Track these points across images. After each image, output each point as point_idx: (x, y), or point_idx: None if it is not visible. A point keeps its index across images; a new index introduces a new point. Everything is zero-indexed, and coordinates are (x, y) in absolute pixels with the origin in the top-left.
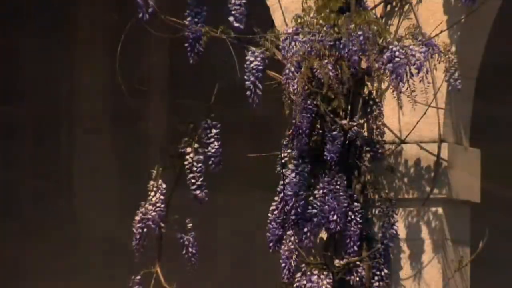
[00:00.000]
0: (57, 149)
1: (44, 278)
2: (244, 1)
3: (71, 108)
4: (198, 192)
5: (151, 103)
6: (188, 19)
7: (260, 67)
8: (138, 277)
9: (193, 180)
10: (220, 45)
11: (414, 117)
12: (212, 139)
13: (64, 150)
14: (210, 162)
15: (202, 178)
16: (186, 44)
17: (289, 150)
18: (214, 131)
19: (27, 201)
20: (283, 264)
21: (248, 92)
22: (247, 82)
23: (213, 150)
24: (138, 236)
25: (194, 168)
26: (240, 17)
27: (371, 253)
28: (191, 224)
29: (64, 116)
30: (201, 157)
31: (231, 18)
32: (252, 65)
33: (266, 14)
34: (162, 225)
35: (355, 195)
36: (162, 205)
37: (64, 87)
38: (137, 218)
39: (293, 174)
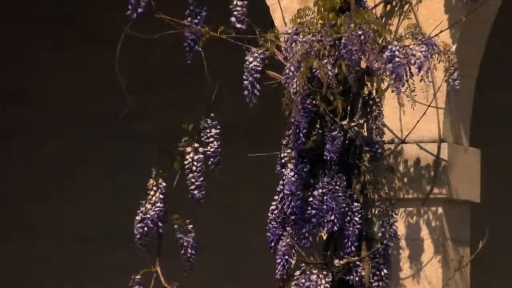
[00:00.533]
0: (58, 149)
1: (45, 277)
2: (245, 2)
3: (73, 108)
4: (196, 192)
5: (151, 102)
6: (188, 19)
7: (259, 68)
8: (138, 277)
9: (192, 180)
10: (220, 45)
11: (414, 117)
12: (211, 139)
13: (66, 150)
14: (209, 162)
15: (201, 178)
16: (185, 44)
17: (289, 150)
18: (214, 131)
19: (27, 201)
20: (279, 261)
21: (245, 92)
22: (245, 82)
23: (212, 150)
24: (138, 236)
25: (194, 168)
26: (241, 18)
27: (370, 253)
28: (191, 225)
29: (66, 116)
30: (201, 156)
31: (233, 19)
32: (251, 65)
33: (266, 14)
34: (161, 224)
35: (354, 195)
36: (162, 205)
37: (65, 87)
38: (137, 218)
39: (293, 174)
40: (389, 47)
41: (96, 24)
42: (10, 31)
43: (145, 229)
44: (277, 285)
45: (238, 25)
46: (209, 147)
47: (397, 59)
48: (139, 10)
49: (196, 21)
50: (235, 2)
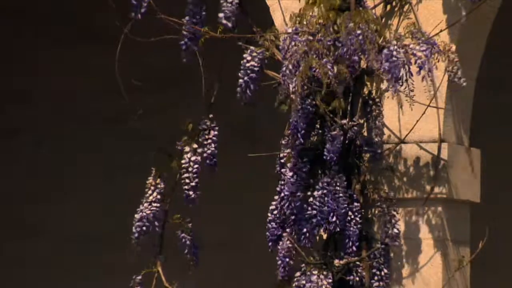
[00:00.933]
0: (58, 148)
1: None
2: (236, 1)
3: (72, 108)
4: (191, 192)
5: (151, 102)
6: (186, 18)
7: (256, 68)
8: (139, 277)
9: (187, 180)
10: (220, 45)
11: (414, 117)
12: (209, 141)
13: (65, 149)
14: (205, 164)
15: (197, 180)
16: (182, 42)
17: (288, 150)
18: (212, 132)
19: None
20: (279, 262)
21: (238, 89)
22: (240, 81)
23: (209, 152)
24: (136, 235)
25: (190, 169)
26: (229, 15)
27: (371, 253)
28: (191, 224)
29: (65, 116)
30: (199, 158)
31: (220, 15)
32: (248, 64)
33: (266, 14)
34: (157, 224)
35: (354, 195)
36: (159, 204)
37: (64, 86)
38: (136, 216)
39: (292, 174)
40: (387, 46)
41: (96, 24)
42: (10, 31)
43: (143, 228)
44: (278, 286)
45: (225, 21)
46: (206, 149)
47: (393, 58)
48: (142, 10)
49: (195, 20)
50: None
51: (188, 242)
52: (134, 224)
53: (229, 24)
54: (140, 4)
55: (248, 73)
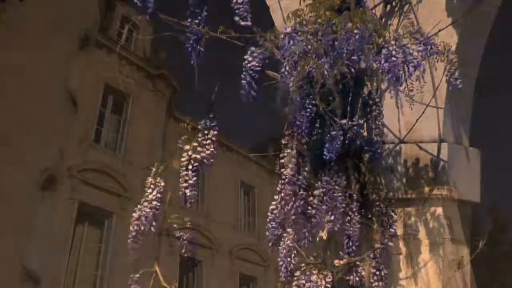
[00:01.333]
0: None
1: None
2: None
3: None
4: (187, 191)
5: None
6: (189, 19)
7: (257, 68)
8: (137, 275)
9: (186, 178)
10: (221, 45)
11: (414, 117)
12: (208, 141)
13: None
14: (203, 163)
15: (195, 178)
16: (187, 45)
17: (288, 150)
18: (212, 132)
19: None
20: (281, 263)
21: (242, 91)
22: (243, 81)
23: (207, 152)
24: (134, 234)
25: (190, 166)
26: (245, 15)
27: (370, 253)
28: (190, 223)
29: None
30: (199, 156)
31: (236, 18)
32: (249, 65)
33: (266, 14)
34: (154, 224)
35: (354, 195)
36: (158, 203)
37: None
38: (134, 215)
39: (292, 174)
40: (386, 46)
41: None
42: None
43: (141, 227)
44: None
45: (243, 23)
46: (205, 149)
47: (393, 58)
48: (149, 10)
49: (197, 21)
50: (235, 0)
51: (186, 241)
52: (131, 223)
53: (248, 23)
54: (146, 6)
55: (251, 74)
